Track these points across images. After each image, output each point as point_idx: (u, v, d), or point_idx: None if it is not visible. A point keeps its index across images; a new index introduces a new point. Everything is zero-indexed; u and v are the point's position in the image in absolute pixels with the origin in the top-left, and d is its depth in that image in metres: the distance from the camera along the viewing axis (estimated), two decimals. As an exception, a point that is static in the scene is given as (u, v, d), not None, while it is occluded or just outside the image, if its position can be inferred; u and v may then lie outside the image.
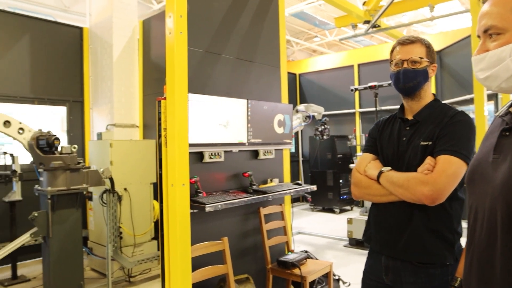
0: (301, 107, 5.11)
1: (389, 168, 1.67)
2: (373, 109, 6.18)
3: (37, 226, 3.57)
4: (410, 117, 1.76)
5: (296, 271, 3.29)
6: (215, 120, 3.19)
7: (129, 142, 4.71)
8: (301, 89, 10.15)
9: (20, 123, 3.67)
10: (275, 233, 3.68)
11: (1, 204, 4.73)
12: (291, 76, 9.89)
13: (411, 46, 1.70)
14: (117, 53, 5.41)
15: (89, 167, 3.94)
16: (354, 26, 6.42)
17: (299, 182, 3.90)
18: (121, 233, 4.38)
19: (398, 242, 1.64)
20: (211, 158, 3.22)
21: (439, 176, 1.50)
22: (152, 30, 5.50)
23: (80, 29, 5.90)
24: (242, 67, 3.62)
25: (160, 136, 2.34)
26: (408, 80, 1.70)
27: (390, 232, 1.67)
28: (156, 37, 5.43)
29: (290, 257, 3.45)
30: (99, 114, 5.71)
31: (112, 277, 4.16)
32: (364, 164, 1.75)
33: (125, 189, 4.56)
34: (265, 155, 3.74)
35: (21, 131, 3.67)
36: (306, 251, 4.01)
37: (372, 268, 1.77)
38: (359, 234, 5.65)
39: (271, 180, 3.84)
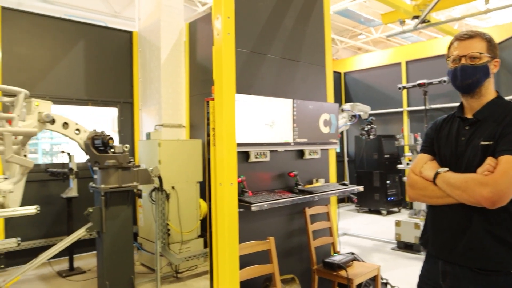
0: (346, 106, 5.01)
1: (446, 169, 1.59)
2: (422, 107, 5.95)
3: (92, 221, 3.75)
4: (469, 116, 1.66)
5: (343, 273, 3.23)
6: (261, 120, 3.20)
7: (176, 141, 4.84)
8: (346, 88, 9.97)
9: (77, 124, 3.87)
10: (320, 233, 3.64)
11: (59, 200, 5.03)
12: (336, 75, 9.73)
13: (470, 41, 1.61)
14: (165, 55, 5.57)
15: (139, 166, 4.09)
16: (402, 22, 6.21)
17: (345, 182, 3.83)
18: (169, 230, 4.51)
19: (456, 246, 1.55)
20: (256, 157, 3.23)
21: (501, 177, 1.41)
22: (197, 32, 5.62)
23: (130, 33, 6.14)
24: (288, 67, 3.61)
25: (208, 135, 2.38)
26: (466, 77, 1.61)
27: (447, 236, 1.59)
28: (202, 39, 5.54)
29: (336, 258, 3.40)
30: (147, 114, 5.91)
31: (161, 272, 4.30)
32: (420, 165, 1.68)
33: (173, 187, 4.68)
34: (310, 155, 3.70)
35: (77, 132, 3.87)
36: (352, 253, 3.93)
37: (429, 273, 1.70)
38: (407, 237, 5.46)
39: (317, 180, 3.79)
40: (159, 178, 4.21)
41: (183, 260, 4.42)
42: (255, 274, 2.81)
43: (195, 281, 4.42)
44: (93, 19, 9.34)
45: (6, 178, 2.94)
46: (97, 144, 3.85)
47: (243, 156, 3.18)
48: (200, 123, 5.58)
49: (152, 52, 5.74)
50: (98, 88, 5.77)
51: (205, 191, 5.17)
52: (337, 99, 8.31)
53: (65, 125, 3.78)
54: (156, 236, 4.22)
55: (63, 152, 4.86)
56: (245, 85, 3.18)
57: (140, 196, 4.68)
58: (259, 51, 3.37)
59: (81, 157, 4.86)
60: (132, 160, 3.99)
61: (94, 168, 3.88)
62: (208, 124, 2.39)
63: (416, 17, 5.88)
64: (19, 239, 3.13)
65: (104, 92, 5.83)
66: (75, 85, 5.59)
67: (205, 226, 5.15)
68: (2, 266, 4.83)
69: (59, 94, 5.42)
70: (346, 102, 9.33)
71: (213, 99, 2.36)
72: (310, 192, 3.38)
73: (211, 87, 2.40)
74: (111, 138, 3.84)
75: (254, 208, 2.85)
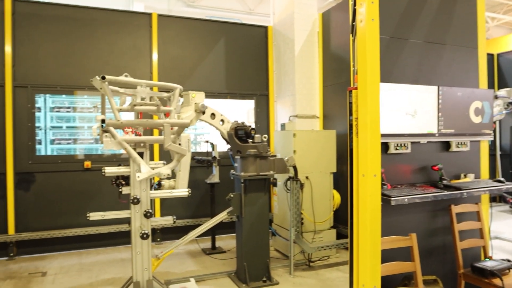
0: (501, 92, 4.38)
1: None
2: None
3: (232, 206, 4.05)
4: None
5: (497, 281, 2.87)
6: (402, 109, 3.03)
7: (310, 132, 4.90)
8: (500, 72, 8.72)
9: (222, 115, 4.19)
10: (468, 235, 3.28)
11: (203, 185, 5.56)
12: (488, 57, 8.56)
13: None
14: (298, 47, 5.66)
15: (275, 156, 4.25)
16: None
17: (501, 179, 3.37)
18: (302, 219, 4.61)
19: None
20: (396, 149, 3.07)
21: None
22: (331, 21, 5.55)
23: (265, 28, 6.39)
24: (432, 51, 3.32)
25: (351, 126, 2.34)
26: None
27: None
28: (336, 28, 5.45)
29: (488, 264, 3.03)
30: (282, 106, 6.10)
31: (294, 259, 4.42)
32: None
33: (307, 177, 4.76)
34: (458, 147, 3.35)
35: (221, 122, 4.20)
36: (508, 260, 3.45)
37: None
38: None
39: (465, 175, 3.42)
40: (294, 167, 4.31)
41: (316, 249, 4.47)
42: (395, 271, 2.69)
43: (327, 271, 4.43)
44: (230, 18, 10.01)
45: (165, 164, 3.34)
46: (240, 134, 4.11)
47: (382, 147, 3.05)
48: (334, 113, 5.55)
49: (286, 45, 5.87)
50: (237, 82, 6.17)
51: (338, 182, 5.18)
52: (490, 85, 7.31)
53: (212, 115, 4.13)
54: (290, 224, 4.35)
55: (207, 141, 5.33)
56: (385, 73, 3.02)
57: (275, 184, 4.87)
58: (400, 36, 3.18)
59: (222, 146, 5.27)
60: (269, 149, 4.16)
61: (236, 157, 4.15)
62: (350, 114, 2.35)
63: None
64: (175, 217, 3.55)
65: (242, 85, 6.20)
66: (217, 80, 6.06)
67: (338, 217, 5.12)
68: (158, 240, 5.57)
69: (204, 89, 5.91)
70: (500, 87, 8.17)
71: (356, 88, 2.31)
72: (457, 188, 3.07)
73: (354, 76, 2.35)
74: (253, 129, 4.06)
75: (394, 202, 2.72)
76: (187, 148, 3.45)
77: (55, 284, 4.12)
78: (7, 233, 4.94)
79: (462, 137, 3.34)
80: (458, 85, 3.38)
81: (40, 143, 5.48)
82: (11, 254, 4.95)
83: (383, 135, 2.93)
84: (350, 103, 2.35)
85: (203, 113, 3.98)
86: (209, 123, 4.11)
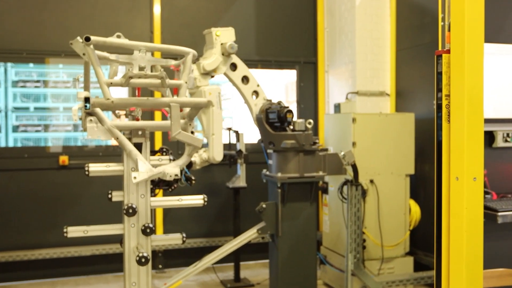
0: None
1: None
2: None
3: (265, 220, 4.07)
4: None
5: None
6: (515, 83, 2.96)
7: (378, 116, 4.85)
8: None
9: (258, 85, 4.22)
10: None
11: (224, 190, 5.62)
12: None
13: None
14: (361, -6, 5.61)
15: (326, 150, 4.25)
16: None
17: None
18: (364, 240, 4.59)
19: None
20: (506, 141, 3.02)
21: None
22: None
23: (313, -32, 6.36)
24: None
25: (439, 107, 2.30)
26: None
27: None
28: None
29: None
30: (336, 78, 6.06)
31: (352, 298, 4.42)
32: None
33: (371, 181, 4.73)
34: None
35: (254, 97, 4.22)
36: None
37: None
38: None
39: None
40: (354, 167, 4.29)
41: (384, 285, 4.44)
42: (503, 319, 2.64)
43: (400, 317, 4.41)
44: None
45: (172, 160, 3.39)
46: (272, 119, 4.12)
47: (485, 139, 2.96)
48: (412, 89, 5.48)
49: (343, -9, 5.84)
50: (271, 45, 6.17)
51: (416, 188, 5.08)
52: None
53: (245, 80, 4.17)
54: (347, 247, 4.33)
55: (229, 129, 5.37)
56: (491, 30, 2.95)
57: (326, 191, 4.86)
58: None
59: (252, 137, 5.28)
60: (316, 141, 4.15)
61: (269, 151, 4.17)
62: (439, 89, 2.31)
63: None
64: (184, 235, 3.60)
65: (279, 50, 6.20)
66: (244, 43, 6.00)
67: (417, 240, 5.05)
68: (160, 266, 5.69)
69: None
70: None
71: (448, 51, 2.26)
72: None
73: (446, 35, 2.31)
74: (290, 111, 4.06)
75: (501, 218, 2.73)
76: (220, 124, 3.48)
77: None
78: None
79: None
80: None
81: (-2, 131, 5.66)
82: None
83: (487, 121, 2.86)
84: (439, 73, 2.30)
85: (235, 67, 4.01)
86: (237, 87, 4.15)
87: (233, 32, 4.10)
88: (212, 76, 4.15)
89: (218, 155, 3.59)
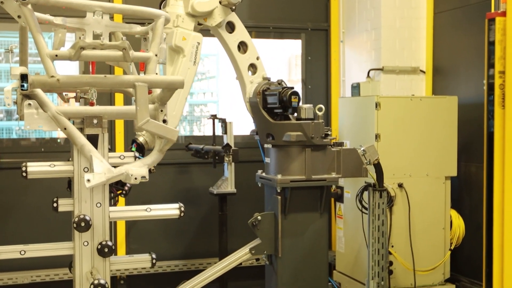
0: None
1: None
2: None
3: (260, 236, 4.06)
4: None
5: None
6: None
7: (409, 100, 4.87)
8: None
9: (258, 58, 4.26)
10: None
11: (205, 197, 5.60)
12: None
13: None
14: None
15: (341, 144, 4.23)
16: None
17: None
18: (391, 263, 4.58)
19: None
20: None
21: None
22: None
23: None
24: None
25: (491, 88, 2.28)
26: None
27: None
28: None
29: None
30: (354, 50, 6.08)
31: None
32: None
33: (400, 185, 4.73)
34: None
35: (252, 69, 4.23)
36: None
37: None
38: None
39: None
40: (377, 166, 4.27)
41: (417, 322, 4.45)
42: None
43: None
44: None
45: (138, 157, 3.36)
46: (271, 103, 4.09)
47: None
48: (455, 64, 5.48)
49: None
50: (271, 7, 6.16)
51: (460, 195, 5.04)
52: None
53: (243, 47, 4.15)
54: (369, 272, 4.32)
55: (214, 117, 5.32)
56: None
57: (340, 198, 4.85)
58: None
59: (243, 127, 5.25)
60: (329, 132, 4.13)
61: (266, 146, 4.14)
62: (491, 65, 2.28)
63: None
64: (154, 256, 3.58)
65: (280, 13, 6.19)
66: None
67: (461, 262, 5.06)
68: (123, 297, 5.67)
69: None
70: None
71: (503, 13, 2.23)
72: None
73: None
74: (295, 93, 4.03)
75: None
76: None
77: None
78: None
79: None
80: None
81: None
82: None
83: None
84: (491, 43, 2.27)
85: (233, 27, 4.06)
86: (230, 58, 4.20)
87: None
88: (200, 25, 4.10)
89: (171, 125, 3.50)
